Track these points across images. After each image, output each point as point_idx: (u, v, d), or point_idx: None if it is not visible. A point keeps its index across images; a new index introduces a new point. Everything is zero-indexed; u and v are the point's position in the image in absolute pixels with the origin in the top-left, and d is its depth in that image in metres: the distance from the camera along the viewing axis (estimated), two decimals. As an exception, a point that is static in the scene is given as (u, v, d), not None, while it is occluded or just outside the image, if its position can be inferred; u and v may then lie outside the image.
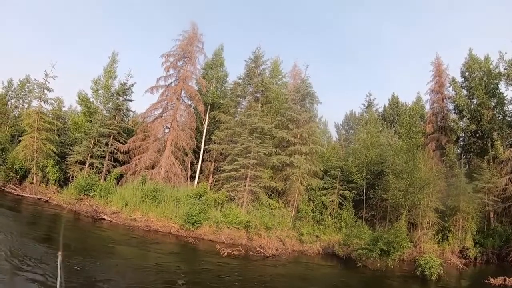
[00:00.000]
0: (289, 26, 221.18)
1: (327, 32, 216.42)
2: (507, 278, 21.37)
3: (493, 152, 36.89)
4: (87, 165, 36.47)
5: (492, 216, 32.42)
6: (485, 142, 37.81)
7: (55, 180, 35.90)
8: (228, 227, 28.70)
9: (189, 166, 37.89)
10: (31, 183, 35.33)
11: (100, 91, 43.58)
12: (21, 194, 33.11)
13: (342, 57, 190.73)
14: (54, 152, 36.37)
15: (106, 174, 36.46)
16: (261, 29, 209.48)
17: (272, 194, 32.99)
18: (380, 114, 58.91)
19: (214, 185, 36.21)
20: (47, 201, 32.43)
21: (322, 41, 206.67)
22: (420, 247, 28.77)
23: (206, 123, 40.17)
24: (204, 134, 39.86)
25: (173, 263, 20.43)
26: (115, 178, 35.09)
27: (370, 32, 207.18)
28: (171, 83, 39.29)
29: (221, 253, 23.75)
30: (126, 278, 16.04)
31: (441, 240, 30.04)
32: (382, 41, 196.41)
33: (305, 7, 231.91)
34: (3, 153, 37.12)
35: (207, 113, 40.04)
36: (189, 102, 40.24)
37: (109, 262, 17.96)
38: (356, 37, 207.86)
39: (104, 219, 28.84)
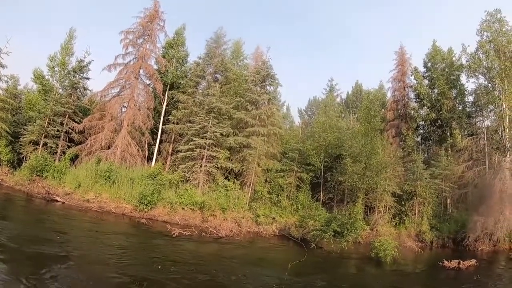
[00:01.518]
0: (260, 13, 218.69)
1: (295, 20, 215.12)
2: (461, 261, 21.89)
3: (451, 141, 37.70)
4: (41, 145, 35.40)
5: (449, 202, 33.11)
6: (444, 131, 38.59)
7: (8, 161, 34.85)
8: (182, 208, 28.49)
9: (146, 147, 37.13)
10: (-18, 164, 34.05)
11: (56, 69, 41.93)
12: (-29, 176, 31.84)
13: (312, 46, 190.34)
14: (7, 132, 35.26)
15: (61, 155, 35.50)
16: (229, 16, 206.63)
17: (229, 176, 32.86)
18: (343, 101, 59.46)
19: (172, 166, 35.72)
20: (-1, 183, 31.25)
21: (290, 29, 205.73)
22: (376, 230, 29.22)
23: (165, 103, 39.37)
24: (163, 114, 39.14)
25: (117, 244, 19.91)
26: (70, 159, 34.26)
27: (338, 22, 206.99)
28: (130, 61, 38.26)
29: (172, 233, 23.54)
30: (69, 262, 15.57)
31: (397, 223, 30.62)
32: (351, 31, 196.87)
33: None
34: (-49, 132, 35.49)
35: (166, 93, 39.22)
36: (148, 81, 39.33)
37: (55, 246, 17.29)
38: (326, 27, 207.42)
39: (56, 201, 28.16)
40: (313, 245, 24.95)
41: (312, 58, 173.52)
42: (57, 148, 35.76)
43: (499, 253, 26.66)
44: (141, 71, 37.99)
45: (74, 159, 34.70)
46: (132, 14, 45.20)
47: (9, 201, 27.53)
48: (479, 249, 26.77)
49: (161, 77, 38.09)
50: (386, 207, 30.94)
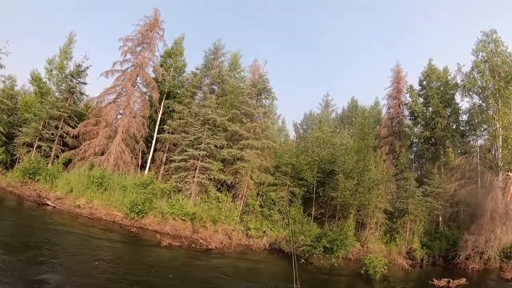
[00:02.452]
0: (259, 25, 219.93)
1: (295, 33, 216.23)
2: (451, 280, 22.22)
3: (444, 159, 38.21)
4: (34, 148, 35.17)
5: (440, 220, 33.51)
6: (437, 149, 38.99)
7: (1, 162, 34.68)
8: (174, 218, 28.51)
9: (140, 155, 37.17)
10: (-26, 164, 33.86)
11: (54, 72, 42.16)
12: (-39, 175, 31.57)
13: (314, 60, 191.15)
14: (1, 133, 35.09)
15: (54, 159, 35.31)
16: (230, 25, 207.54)
17: (221, 188, 32.96)
18: (338, 116, 59.85)
19: (164, 175, 35.82)
20: (-10, 183, 31.01)
21: (289, 41, 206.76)
22: (367, 246, 29.47)
23: (161, 112, 39.48)
24: (158, 123, 39.22)
25: (105, 250, 20.12)
26: (63, 163, 34.05)
27: (338, 36, 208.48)
28: (128, 68, 38.31)
29: (162, 243, 23.63)
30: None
31: (388, 240, 30.91)
32: (350, 47, 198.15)
33: (275, 6, 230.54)
34: None
35: (162, 102, 39.34)
36: (145, 90, 39.42)
37: (43, 251, 17.38)
38: (328, 41, 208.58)
39: (47, 205, 27.94)
40: (303, 260, 25.10)
41: (312, 70, 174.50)
42: (51, 151, 35.61)
43: (490, 271, 26.93)
44: (138, 79, 38.07)
45: (67, 163, 34.57)
46: (130, 21, 45.30)
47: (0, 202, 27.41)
48: (470, 267, 27.07)
49: (158, 86, 38.19)
50: (378, 223, 31.21)
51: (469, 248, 27.03)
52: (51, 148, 35.75)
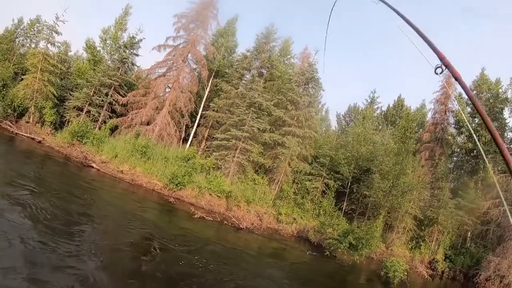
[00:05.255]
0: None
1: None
2: None
3: (483, 174, 36.77)
4: (84, 112, 36.64)
5: (468, 236, 32.82)
6: (477, 163, 37.81)
7: (51, 123, 36.09)
8: (210, 194, 29.16)
9: (183, 129, 38.06)
10: (27, 122, 35.37)
11: (108, 41, 43.45)
12: (16, 131, 32.96)
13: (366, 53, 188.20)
14: (54, 95, 36.50)
15: (102, 124, 36.71)
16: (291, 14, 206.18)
17: (259, 170, 33.45)
18: (382, 113, 58.92)
19: (205, 151, 36.57)
20: (40, 141, 32.43)
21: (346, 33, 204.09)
22: (391, 249, 29.43)
23: (208, 89, 40.10)
24: (204, 100, 39.88)
25: (140, 214, 20.89)
26: (110, 129, 35.42)
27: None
28: (180, 44, 39.12)
29: (195, 215, 24.20)
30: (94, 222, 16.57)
31: (413, 247, 30.75)
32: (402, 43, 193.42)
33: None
34: (4, 89, 36.80)
35: (210, 79, 39.91)
36: (194, 66, 40.14)
37: (85, 208, 18.32)
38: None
39: (92, 167, 29.10)
40: (327, 252, 25.35)
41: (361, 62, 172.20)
42: (99, 117, 36.97)
43: (508, 297, 26.39)
44: (189, 55, 38.79)
45: (113, 129, 35.90)
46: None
47: (49, 160, 28.61)
48: None
49: (207, 64, 38.68)
50: (405, 228, 31.06)
51: (491, 269, 26.51)
52: (99, 113, 37.08)
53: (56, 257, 11.23)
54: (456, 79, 2.89)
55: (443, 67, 2.99)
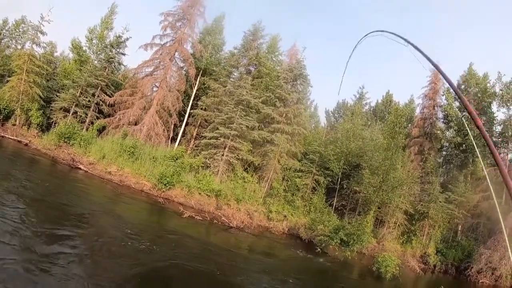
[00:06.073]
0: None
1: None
2: None
3: (472, 168, 37.15)
4: (71, 113, 36.26)
5: (459, 229, 32.95)
6: (466, 157, 37.93)
7: (37, 124, 35.73)
8: (199, 193, 28.94)
9: (172, 128, 37.76)
10: (13, 124, 34.99)
11: (94, 41, 43.12)
12: (2, 134, 32.55)
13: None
14: (40, 97, 36.21)
15: (89, 125, 36.37)
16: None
17: (248, 168, 33.37)
18: (371, 109, 59.07)
19: (194, 150, 36.42)
20: (26, 144, 32.02)
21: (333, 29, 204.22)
22: (383, 244, 29.49)
23: (195, 87, 39.89)
24: (192, 99, 39.70)
25: (128, 215, 20.75)
26: (97, 130, 35.07)
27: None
28: (166, 42, 38.85)
29: (183, 215, 24.01)
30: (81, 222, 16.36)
31: (405, 242, 30.79)
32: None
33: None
34: (-11, 91, 36.43)
35: (198, 78, 39.69)
36: (182, 65, 39.88)
37: (72, 210, 18.10)
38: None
39: (80, 169, 28.78)
40: (319, 249, 25.26)
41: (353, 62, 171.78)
42: (86, 117, 36.63)
43: (499, 288, 26.61)
44: (176, 53, 38.53)
45: (101, 130, 35.53)
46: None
47: (35, 162, 28.24)
48: (480, 281, 26.68)
49: (195, 62, 38.47)
50: (396, 223, 31.13)
51: (483, 262, 26.69)
52: (86, 114, 36.74)
53: (39, 260, 10.98)
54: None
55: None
